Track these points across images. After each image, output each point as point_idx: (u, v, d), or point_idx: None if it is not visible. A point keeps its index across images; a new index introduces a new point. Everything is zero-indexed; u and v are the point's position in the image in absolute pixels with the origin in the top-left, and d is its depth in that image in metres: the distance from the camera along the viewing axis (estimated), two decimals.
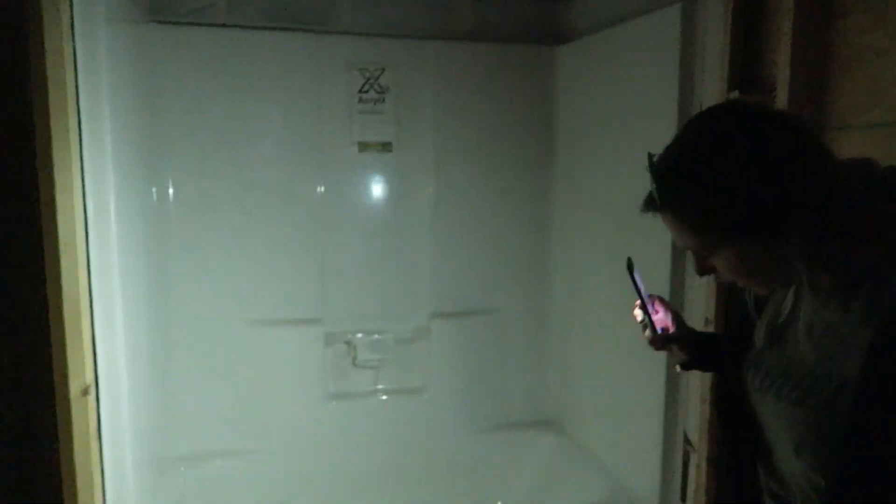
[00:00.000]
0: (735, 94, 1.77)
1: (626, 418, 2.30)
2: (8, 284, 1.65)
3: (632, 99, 2.19)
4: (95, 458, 1.58)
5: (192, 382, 2.45)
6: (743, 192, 0.83)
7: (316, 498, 2.53)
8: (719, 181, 0.84)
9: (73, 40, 1.51)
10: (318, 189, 2.56)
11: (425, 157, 2.65)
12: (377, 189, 2.64)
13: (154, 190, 2.31)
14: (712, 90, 1.86)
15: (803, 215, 0.82)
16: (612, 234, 2.32)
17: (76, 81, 1.51)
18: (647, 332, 1.21)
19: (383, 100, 2.60)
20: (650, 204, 0.92)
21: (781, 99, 1.65)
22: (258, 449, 2.52)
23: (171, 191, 2.40)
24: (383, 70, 2.58)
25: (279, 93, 2.47)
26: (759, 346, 1.01)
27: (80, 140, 1.52)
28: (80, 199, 1.53)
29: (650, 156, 0.93)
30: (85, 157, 1.53)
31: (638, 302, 1.21)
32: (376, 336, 2.67)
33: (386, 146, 2.63)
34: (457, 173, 2.69)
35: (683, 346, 1.18)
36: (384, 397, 2.70)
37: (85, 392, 1.54)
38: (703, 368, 1.23)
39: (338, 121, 2.56)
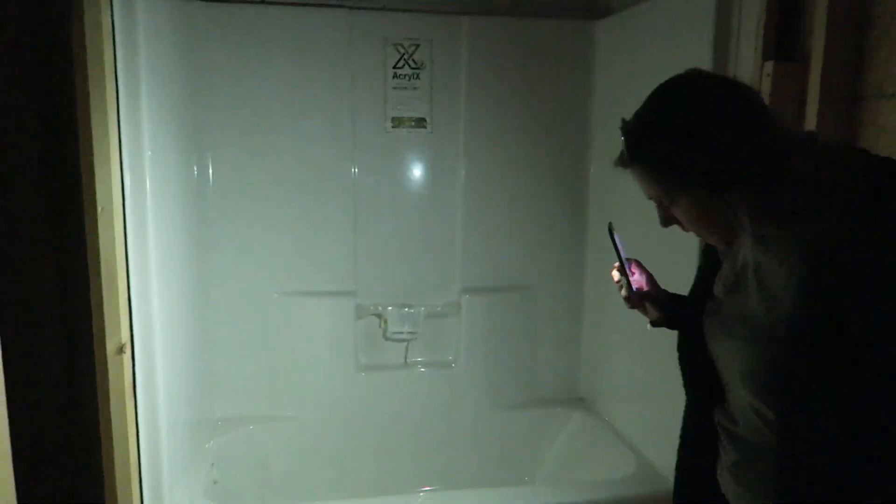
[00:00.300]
0: (769, 65, 1.72)
1: (656, 397, 2.28)
2: (57, 249, 1.75)
3: (667, 73, 2.14)
4: (131, 412, 1.67)
5: (228, 350, 2.55)
6: (695, 144, 0.96)
7: (344, 465, 2.60)
8: (677, 135, 0.98)
9: (112, 15, 1.58)
10: (353, 164, 2.61)
11: (459, 132, 2.66)
12: (410, 164, 2.67)
13: (195, 166, 2.39)
14: (747, 62, 1.82)
15: (746, 168, 0.95)
16: (650, 212, 2.28)
17: (114, 57, 1.58)
18: (624, 291, 1.33)
19: (418, 76, 2.62)
20: (622, 159, 1.05)
21: (816, 68, 1.60)
22: (290, 416, 2.61)
23: (210, 167, 2.47)
24: (418, 46, 2.59)
25: (315, 69, 2.51)
26: (712, 301, 1.13)
27: (118, 115, 1.60)
28: (118, 169, 1.60)
29: (623, 120, 1.06)
30: (123, 132, 1.60)
31: (616, 264, 1.32)
32: (407, 309, 2.71)
33: (420, 122, 2.65)
34: (491, 149, 2.69)
35: (655, 304, 1.30)
36: (414, 370, 2.74)
37: (120, 350, 1.63)
38: (671, 326, 1.32)
39: (372, 96, 2.59)
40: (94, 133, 1.54)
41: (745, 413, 1.06)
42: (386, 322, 2.71)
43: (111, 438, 1.67)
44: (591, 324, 2.80)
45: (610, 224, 1.33)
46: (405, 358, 2.76)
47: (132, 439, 1.69)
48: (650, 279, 1.34)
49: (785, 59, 1.72)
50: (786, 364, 0.96)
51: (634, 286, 1.31)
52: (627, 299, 1.32)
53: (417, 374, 2.75)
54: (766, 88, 1.74)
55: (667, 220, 1.08)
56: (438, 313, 2.75)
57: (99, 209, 1.56)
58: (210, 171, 2.48)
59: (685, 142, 0.97)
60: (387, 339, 2.73)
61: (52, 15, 1.60)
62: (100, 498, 1.75)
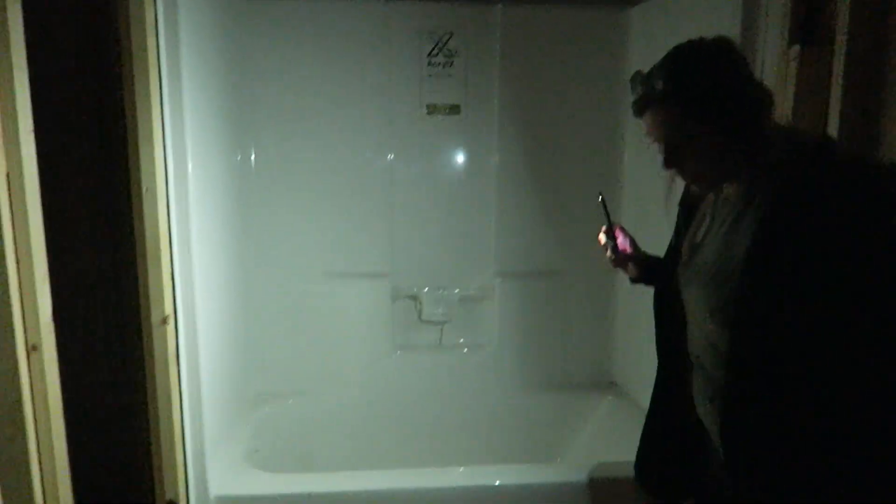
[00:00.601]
0: (795, 49, 1.72)
1: None
2: (111, 225, 1.90)
3: None
4: (174, 379, 1.80)
5: (270, 327, 2.68)
6: (724, 87, 1.12)
7: (378, 439, 2.70)
8: (710, 76, 1.12)
9: (156, 11, 1.69)
10: (389, 150, 2.69)
11: (493, 119, 2.71)
12: (445, 150, 2.74)
13: (238, 152, 2.52)
14: (774, 46, 1.81)
15: (755, 116, 1.12)
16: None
17: (157, 47, 1.69)
18: (609, 253, 1.55)
19: (452, 63, 2.68)
20: (643, 103, 1.17)
21: (840, 52, 1.59)
22: (328, 391, 2.73)
23: (253, 153, 2.60)
24: (452, 34, 2.65)
25: (352, 59, 2.61)
26: (685, 257, 1.31)
27: (161, 102, 1.71)
28: (161, 152, 1.72)
29: (638, 72, 1.20)
30: (165, 117, 1.72)
31: (604, 228, 1.55)
32: (441, 292, 2.78)
33: (454, 109, 2.71)
34: (524, 135, 2.73)
35: (637, 264, 1.54)
36: (448, 351, 2.82)
37: (164, 321, 1.76)
38: (648, 283, 1.53)
39: (408, 84, 2.66)
40: (138, 118, 1.65)
41: (706, 350, 1.23)
42: (421, 304, 2.80)
43: (157, 404, 1.80)
44: (624, 308, 2.82)
45: (601, 192, 1.61)
46: (440, 339, 2.84)
47: (175, 404, 1.81)
48: (632, 242, 1.56)
49: (811, 42, 1.71)
50: (740, 297, 1.11)
51: (619, 248, 1.54)
52: (613, 260, 1.55)
53: (451, 355, 2.83)
54: (791, 72, 1.73)
55: (672, 161, 1.18)
56: (473, 297, 2.82)
57: (144, 189, 1.68)
58: (252, 156, 2.61)
59: (717, 84, 1.11)
60: (422, 321, 2.82)
61: (102, 8, 1.73)
62: (148, 460, 1.89)
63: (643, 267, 1.53)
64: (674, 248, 1.39)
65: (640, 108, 1.19)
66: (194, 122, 1.87)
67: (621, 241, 1.56)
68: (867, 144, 1.56)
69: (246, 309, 2.57)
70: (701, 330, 1.24)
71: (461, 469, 2.13)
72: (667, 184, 1.31)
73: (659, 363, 1.45)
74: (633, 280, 1.57)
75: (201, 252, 1.92)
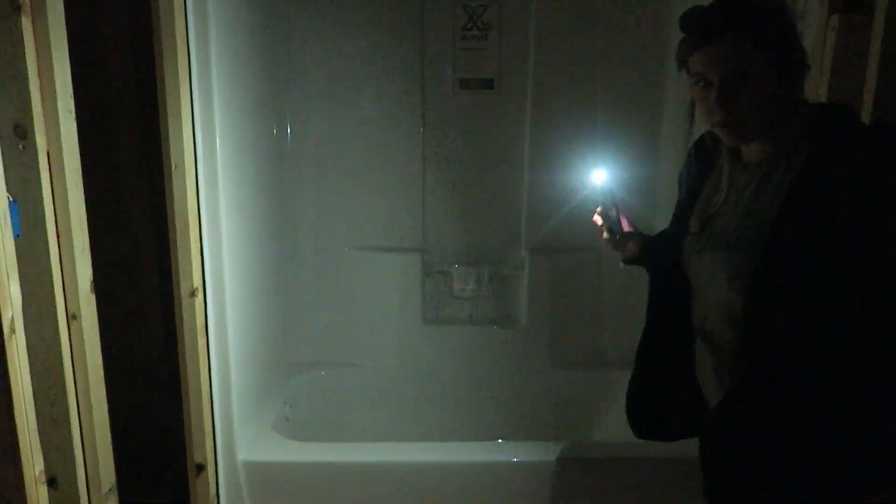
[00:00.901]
0: (835, 18, 1.63)
1: None
2: (153, 200, 1.97)
3: None
4: (203, 349, 1.87)
5: (304, 299, 2.75)
6: (789, 31, 1.14)
7: (408, 412, 2.75)
8: (769, 12, 1.13)
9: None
10: (421, 125, 2.69)
11: (526, 94, 2.67)
12: (478, 125, 2.72)
13: (274, 127, 2.56)
14: (813, 15, 1.73)
15: (802, 66, 1.15)
16: None
17: (186, 27, 1.73)
18: (606, 234, 1.49)
19: (486, 37, 2.64)
20: (707, 33, 1.12)
21: (879, 20, 1.51)
22: (360, 363, 2.79)
23: (288, 127, 2.64)
24: (486, 7, 2.61)
25: (387, 33, 2.61)
26: (696, 228, 1.28)
27: (190, 81, 1.75)
28: (191, 130, 1.77)
29: (696, 7, 1.16)
30: (195, 96, 1.76)
31: (599, 209, 1.50)
32: (472, 268, 2.79)
33: (487, 83, 2.68)
34: (558, 111, 2.68)
35: (637, 243, 1.48)
36: (479, 326, 2.83)
37: (193, 294, 1.83)
38: (642, 263, 1.48)
39: (441, 58, 2.65)
40: (167, 96, 1.70)
41: (715, 320, 1.22)
42: (452, 279, 2.81)
43: (187, 373, 1.88)
44: None
45: (604, 172, 1.52)
46: (471, 314, 2.85)
47: (204, 374, 1.89)
48: (630, 222, 1.51)
49: (852, 10, 1.62)
50: (769, 259, 1.09)
51: (623, 228, 1.48)
52: (610, 240, 1.49)
53: (482, 330, 2.84)
54: (830, 41, 1.65)
55: (726, 96, 1.13)
56: (503, 273, 2.82)
57: (173, 166, 1.74)
58: (288, 130, 2.65)
59: (784, 22, 1.13)
60: (453, 296, 2.83)
61: None
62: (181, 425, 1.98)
63: (642, 245, 1.48)
64: (679, 219, 1.36)
65: (700, 41, 1.14)
66: (225, 98, 1.91)
67: (623, 221, 1.50)
68: None
69: (280, 281, 2.64)
70: (714, 299, 1.23)
71: (497, 441, 2.15)
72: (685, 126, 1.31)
73: (650, 338, 1.43)
74: (628, 261, 1.52)
75: (232, 226, 1.98)
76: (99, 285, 1.62)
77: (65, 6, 1.37)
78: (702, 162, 1.36)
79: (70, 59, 1.42)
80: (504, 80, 2.67)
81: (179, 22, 1.71)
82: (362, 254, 2.75)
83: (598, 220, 1.52)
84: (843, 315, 1.06)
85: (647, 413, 1.46)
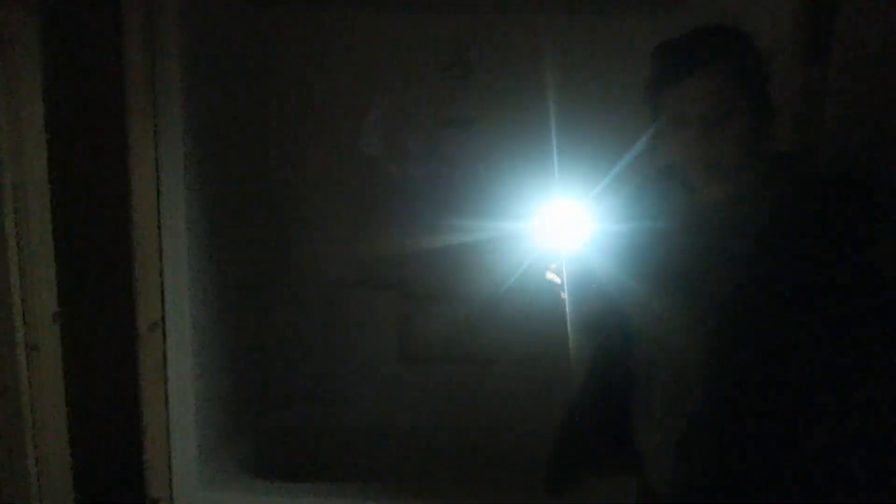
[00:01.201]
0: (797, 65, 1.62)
1: None
2: (106, 234, 1.98)
3: None
4: (161, 384, 1.87)
5: (277, 334, 2.74)
6: (764, 72, 1.12)
7: (383, 452, 2.70)
8: (754, 55, 1.12)
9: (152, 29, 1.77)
10: (403, 160, 2.70)
11: (509, 133, 2.68)
12: (458, 162, 2.72)
13: (250, 159, 2.57)
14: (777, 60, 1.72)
15: (772, 116, 1.13)
16: None
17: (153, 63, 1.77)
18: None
19: (468, 76, 2.66)
20: (702, 60, 1.09)
21: (836, 68, 1.49)
22: (335, 399, 2.76)
23: (265, 160, 2.67)
24: (470, 47, 2.64)
25: (370, 69, 2.64)
26: (657, 271, 1.19)
27: (155, 108, 1.78)
28: (154, 170, 1.79)
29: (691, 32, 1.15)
30: (161, 126, 1.78)
31: (554, 266, 1.29)
32: (451, 305, 2.77)
33: (468, 122, 2.69)
34: (537, 148, 2.68)
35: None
36: (460, 363, 2.80)
37: (153, 327, 1.83)
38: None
39: (424, 97, 2.67)
40: (134, 128, 1.73)
41: (671, 358, 1.16)
42: (431, 315, 2.79)
43: (146, 404, 1.87)
44: None
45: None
46: (450, 351, 2.82)
47: (161, 408, 1.88)
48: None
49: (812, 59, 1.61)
50: (730, 308, 1.06)
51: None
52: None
53: (464, 367, 2.80)
54: (793, 88, 1.63)
55: (712, 134, 1.09)
56: (483, 307, 2.78)
57: (137, 205, 1.76)
58: (265, 162, 2.67)
59: (766, 61, 1.11)
60: (431, 333, 2.80)
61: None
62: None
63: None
64: (633, 263, 1.29)
65: (680, 75, 1.10)
66: (193, 130, 1.93)
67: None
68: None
69: (252, 315, 2.63)
70: (670, 344, 1.18)
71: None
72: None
73: (587, 388, 1.32)
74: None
75: (199, 260, 1.98)
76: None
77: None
78: (654, 199, 1.31)
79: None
80: (486, 118, 2.68)
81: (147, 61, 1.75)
82: (340, 287, 2.75)
83: (552, 277, 1.33)
84: (805, 359, 1.03)
85: (570, 463, 1.39)
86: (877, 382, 1.02)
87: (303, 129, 2.68)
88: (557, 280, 1.30)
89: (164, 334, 1.86)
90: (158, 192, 1.80)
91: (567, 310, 1.30)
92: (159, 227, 1.81)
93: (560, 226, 1.25)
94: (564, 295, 1.30)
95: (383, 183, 2.72)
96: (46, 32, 1.65)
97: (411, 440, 2.74)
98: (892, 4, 1.38)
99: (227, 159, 2.27)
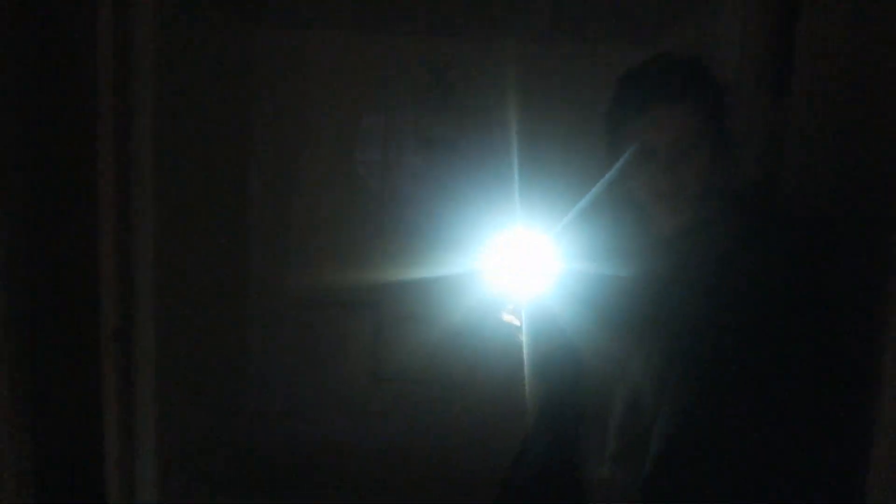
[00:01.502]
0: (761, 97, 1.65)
1: None
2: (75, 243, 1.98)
3: None
4: (122, 393, 1.85)
5: (247, 348, 2.73)
6: (726, 106, 1.14)
7: (354, 469, 2.68)
8: (718, 89, 1.13)
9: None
10: (384, 179, 2.72)
11: (490, 153, 2.70)
12: (440, 180, 2.74)
13: (233, 172, 2.59)
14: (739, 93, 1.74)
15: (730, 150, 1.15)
16: None
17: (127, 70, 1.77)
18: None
19: (448, 98, 2.69)
20: (674, 91, 1.10)
21: (798, 100, 1.52)
22: (309, 415, 2.74)
23: (248, 174, 2.68)
24: (451, 67, 2.67)
25: (352, 90, 2.66)
26: (608, 306, 1.18)
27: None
28: (122, 173, 1.79)
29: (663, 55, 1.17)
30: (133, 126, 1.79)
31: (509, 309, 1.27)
32: (427, 323, 2.77)
33: (450, 141, 2.71)
34: (523, 169, 2.70)
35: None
36: (432, 384, 2.79)
37: (115, 335, 1.82)
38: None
39: (405, 117, 2.69)
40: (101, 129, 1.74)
41: (627, 399, 1.14)
42: (406, 334, 2.78)
43: (108, 413, 1.86)
44: None
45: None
46: (423, 370, 2.81)
47: (120, 416, 1.86)
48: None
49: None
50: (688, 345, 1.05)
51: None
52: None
53: (437, 387, 2.80)
54: (754, 121, 1.66)
55: (678, 164, 1.10)
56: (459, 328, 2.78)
57: (104, 207, 1.76)
58: (248, 176, 2.68)
59: (728, 97, 1.14)
60: (406, 352, 2.80)
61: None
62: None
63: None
64: (590, 300, 1.27)
65: (648, 105, 1.10)
66: (168, 134, 1.94)
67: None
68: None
69: (221, 330, 2.62)
70: (623, 380, 1.17)
71: None
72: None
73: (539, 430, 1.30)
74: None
75: (160, 271, 1.98)
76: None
77: None
78: (612, 229, 1.29)
79: None
80: (468, 138, 2.71)
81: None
82: (313, 304, 2.75)
83: (511, 320, 1.30)
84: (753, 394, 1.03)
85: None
86: (823, 414, 1.03)
87: (281, 146, 2.69)
88: (516, 322, 1.29)
89: (127, 342, 1.85)
90: (128, 198, 1.80)
91: (524, 352, 1.29)
92: (128, 233, 1.81)
93: (520, 263, 1.24)
94: (522, 336, 1.28)
95: (362, 201, 2.73)
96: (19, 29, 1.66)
97: (380, 459, 2.73)
98: (851, 38, 1.41)
99: (201, 173, 2.28)
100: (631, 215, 1.23)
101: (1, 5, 1.61)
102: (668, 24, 2.35)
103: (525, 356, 1.29)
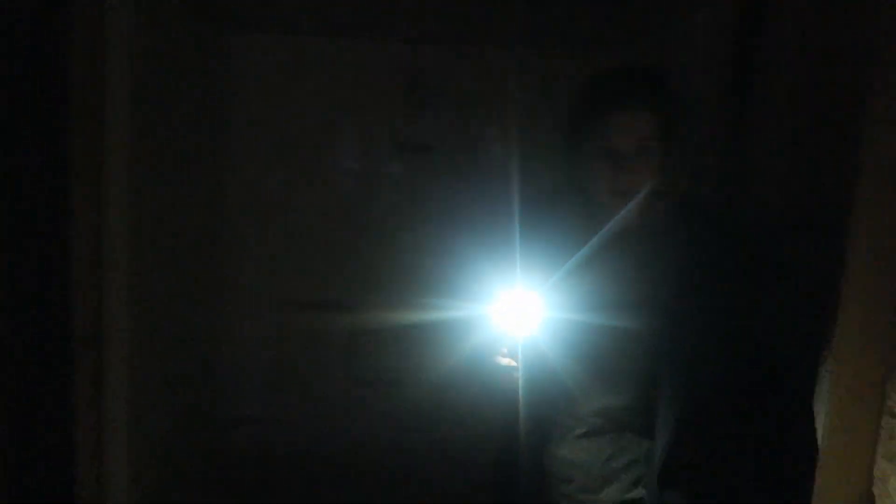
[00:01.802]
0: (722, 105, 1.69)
1: None
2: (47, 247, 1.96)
3: None
4: (94, 400, 1.84)
5: (232, 353, 2.72)
6: (685, 113, 1.23)
7: (330, 476, 2.69)
8: (678, 96, 1.22)
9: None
10: (362, 188, 2.74)
11: (466, 160, 2.73)
12: (415, 188, 2.76)
13: (206, 181, 2.59)
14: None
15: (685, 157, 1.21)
16: None
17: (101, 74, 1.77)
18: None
19: (425, 104, 2.71)
20: (640, 95, 1.17)
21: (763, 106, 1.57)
22: (285, 420, 2.74)
23: (222, 181, 2.68)
24: (426, 74, 2.69)
25: (326, 96, 2.68)
26: (561, 305, 1.23)
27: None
28: (98, 183, 1.79)
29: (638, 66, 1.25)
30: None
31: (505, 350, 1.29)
32: (404, 329, 2.78)
33: (426, 148, 2.74)
34: (496, 176, 2.73)
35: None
36: (408, 386, 2.80)
37: (87, 343, 1.81)
38: None
39: (382, 123, 2.71)
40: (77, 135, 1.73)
41: (614, 407, 1.23)
42: (383, 339, 2.79)
43: (82, 419, 1.85)
44: None
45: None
46: (400, 374, 2.82)
47: (97, 423, 1.85)
48: None
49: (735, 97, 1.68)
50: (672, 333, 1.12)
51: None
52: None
53: (412, 389, 2.81)
54: (718, 128, 1.70)
55: (638, 166, 1.17)
56: (434, 333, 2.80)
57: (80, 217, 1.76)
58: (222, 184, 2.68)
59: (686, 106, 1.25)
60: (384, 355, 2.81)
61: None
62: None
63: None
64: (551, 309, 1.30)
65: (614, 107, 1.16)
66: (142, 139, 1.94)
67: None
68: None
69: (196, 334, 2.62)
70: (593, 389, 1.24)
71: None
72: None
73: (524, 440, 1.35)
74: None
75: (141, 275, 1.98)
76: None
77: None
78: (554, 227, 1.33)
79: None
80: (443, 145, 2.73)
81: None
82: (291, 308, 2.75)
83: (508, 360, 1.32)
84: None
85: None
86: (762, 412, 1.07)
87: (257, 150, 2.70)
88: (512, 363, 1.30)
89: (100, 349, 1.84)
90: (100, 203, 1.80)
91: (519, 394, 1.31)
92: (99, 238, 1.81)
93: (515, 309, 1.26)
94: (517, 375, 1.30)
95: (338, 205, 2.74)
96: None
97: (358, 463, 2.74)
98: (812, 46, 1.46)
99: (175, 178, 2.28)
100: (587, 211, 1.26)
101: None
102: (637, 33, 2.40)
103: (521, 398, 1.32)
